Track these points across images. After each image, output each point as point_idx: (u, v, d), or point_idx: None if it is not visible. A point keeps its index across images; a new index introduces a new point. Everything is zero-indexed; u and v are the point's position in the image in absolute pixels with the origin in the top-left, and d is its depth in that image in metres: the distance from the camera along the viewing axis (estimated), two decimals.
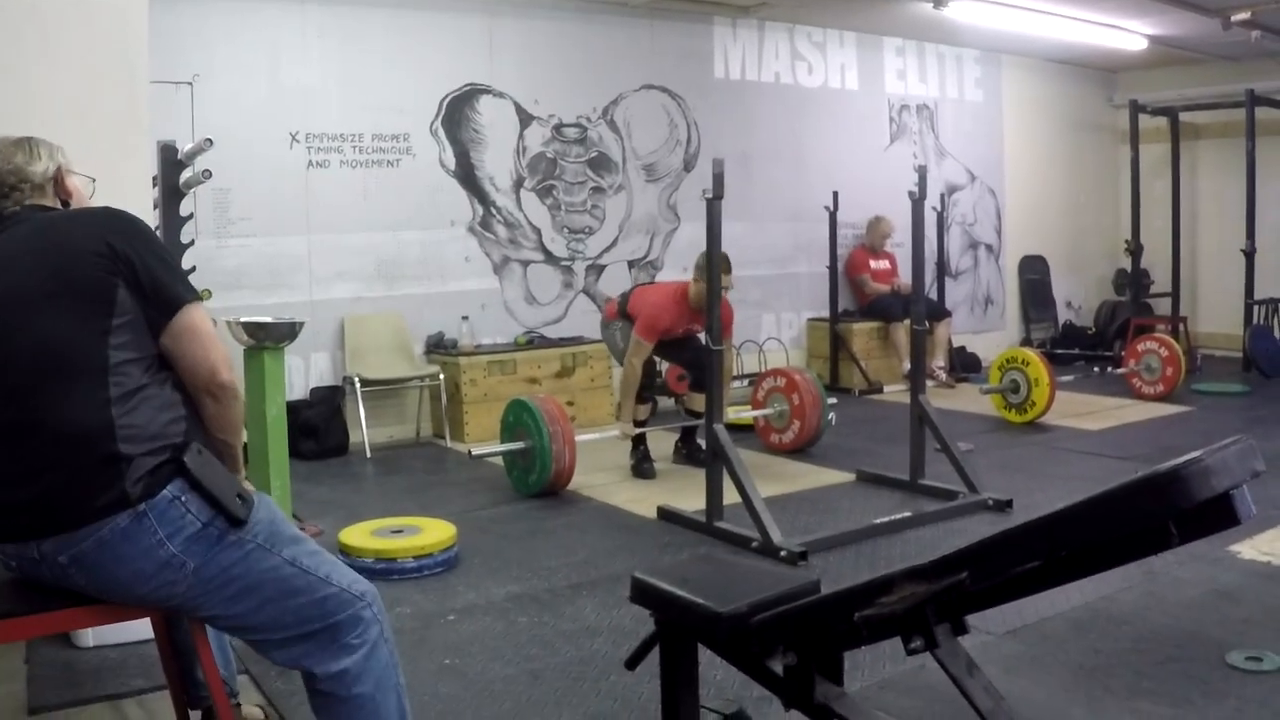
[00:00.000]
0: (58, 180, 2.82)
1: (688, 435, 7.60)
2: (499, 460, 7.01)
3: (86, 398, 2.46)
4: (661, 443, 7.66)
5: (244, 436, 2.87)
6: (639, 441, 7.24)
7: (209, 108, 7.75)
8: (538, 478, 6.56)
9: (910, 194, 6.43)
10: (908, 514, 5.95)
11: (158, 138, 4.98)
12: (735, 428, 7.33)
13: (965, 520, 5.92)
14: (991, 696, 2.30)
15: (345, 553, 5.07)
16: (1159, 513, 1.94)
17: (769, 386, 7.86)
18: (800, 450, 7.72)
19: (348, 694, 2.61)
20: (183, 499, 2.48)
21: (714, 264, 5.79)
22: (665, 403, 8.50)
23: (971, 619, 2.40)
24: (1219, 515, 1.95)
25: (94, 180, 3.00)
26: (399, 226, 8.69)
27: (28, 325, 2.51)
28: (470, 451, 6.75)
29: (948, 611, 2.29)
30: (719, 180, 5.61)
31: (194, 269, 4.20)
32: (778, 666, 2.74)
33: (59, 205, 2.83)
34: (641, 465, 7.23)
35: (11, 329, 2.52)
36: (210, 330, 2.64)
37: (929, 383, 7.57)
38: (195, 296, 2.64)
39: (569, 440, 6.53)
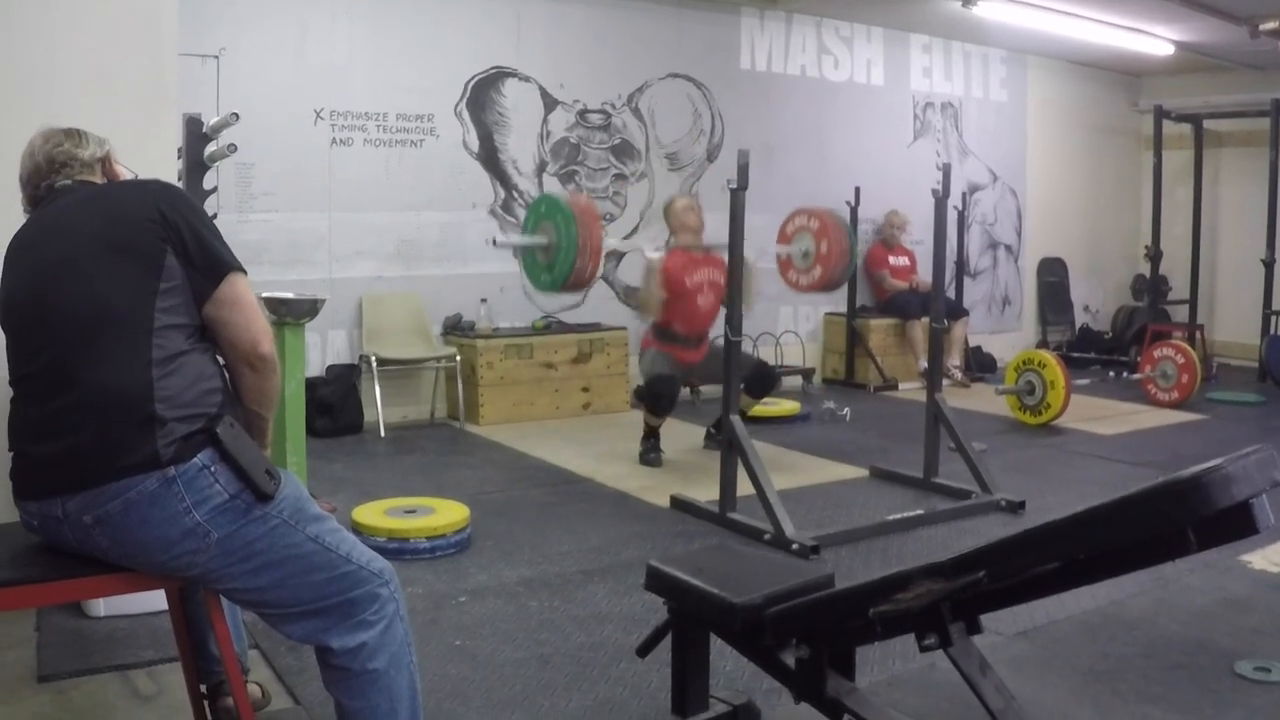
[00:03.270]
0: (105, 163, 2.90)
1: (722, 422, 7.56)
2: (512, 444, 7.00)
3: (128, 357, 2.50)
4: (674, 435, 7.65)
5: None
6: (651, 432, 7.25)
7: (235, 82, 7.77)
8: (552, 278, 6.20)
9: (933, 192, 6.42)
10: (920, 512, 5.95)
11: (184, 110, 5.01)
12: (751, 419, 7.34)
13: (977, 520, 5.91)
14: (1003, 696, 2.31)
15: (359, 531, 5.07)
16: (1179, 519, 1.95)
17: (798, 224, 7.46)
18: (818, 290, 7.50)
19: (361, 669, 2.63)
20: (212, 469, 2.51)
21: (736, 254, 5.79)
22: (680, 393, 8.52)
23: (982, 619, 2.41)
24: (1238, 524, 1.95)
25: (136, 175, 3.04)
26: (420, 207, 8.70)
27: (78, 284, 2.57)
28: (494, 240, 6.47)
29: (963, 610, 2.30)
30: (744, 171, 5.61)
31: None
32: (789, 659, 2.75)
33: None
34: (649, 455, 7.21)
35: (62, 288, 2.58)
36: (253, 301, 2.69)
37: (944, 381, 7.55)
38: (240, 267, 2.69)
39: (595, 246, 6.09)
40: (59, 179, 2.80)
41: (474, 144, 8.93)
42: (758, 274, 7.11)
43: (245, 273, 2.70)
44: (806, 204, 9.96)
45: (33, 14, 4.29)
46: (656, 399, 7.02)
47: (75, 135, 2.86)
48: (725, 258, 6.07)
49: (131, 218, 2.62)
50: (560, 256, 6.05)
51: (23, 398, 2.62)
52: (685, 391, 8.26)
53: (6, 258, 2.74)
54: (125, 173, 2.98)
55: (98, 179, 2.86)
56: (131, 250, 2.58)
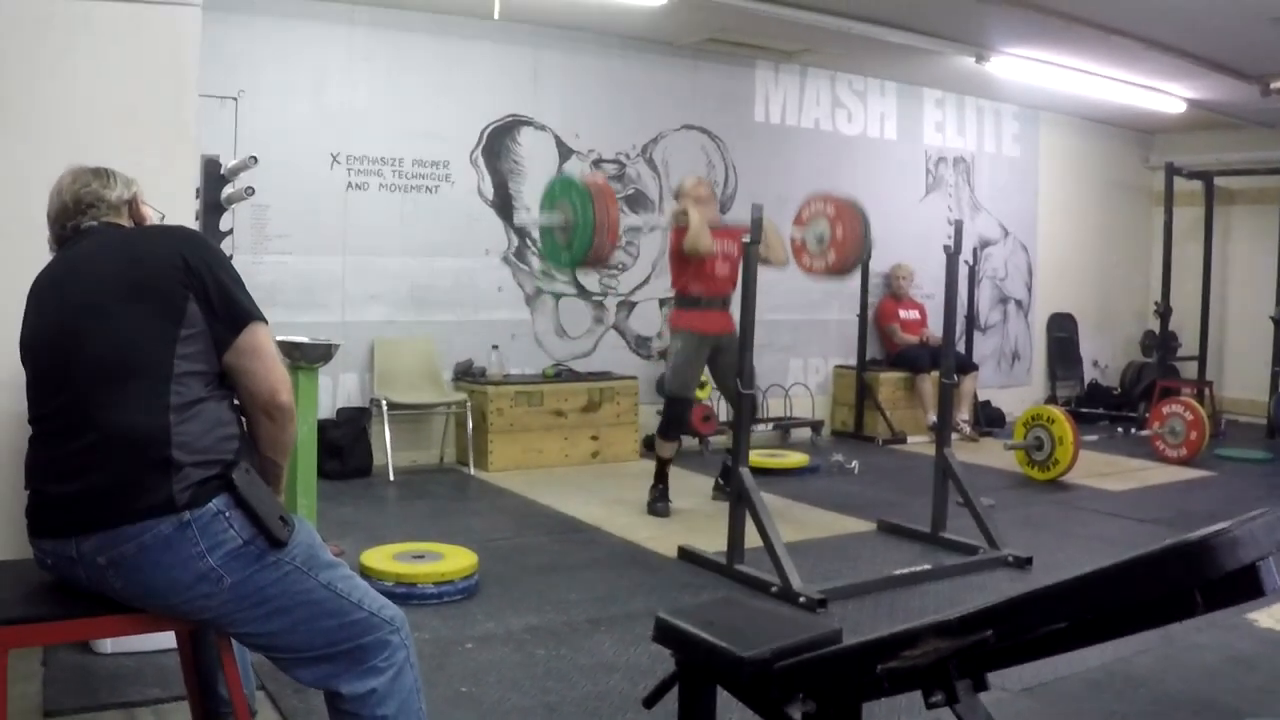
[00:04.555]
0: (132, 205, 2.92)
1: (729, 473, 7.56)
2: (521, 491, 6.98)
3: (147, 401, 2.53)
4: (682, 485, 7.65)
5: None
6: (659, 479, 7.24)
7: (253, 124, 7.85)
8: (571, 255, 6.20)
9: (945, 248, 6.45)
10: (927, 566, 5.94)
11: (202, 151, 5.04)
12: (759, 471, 7.33)
13: (985, 575, 5.90)
14: None
15: (367, 575, 5.06)
16: (1186, 581, 1.96)
17: (814, 209, 7.30)
18: (832, 274, 7.37)
19: (371, 715, 2.65)
20: (227, 514, 2.53)
21: (749, 302, 5.80)
22: (689, 442, 8.56)
23: (989, 675, 2.41)
24: (1245, 586, 1.95)
25: (164, 215, 3.07)
26: (434, 252, 8.75)
27: (100, 327, 2.60)
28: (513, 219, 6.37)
29: (970, 668, 2.30)
30: (758, 225, 5.65)
31: None
32: (796, 714, 2.75)
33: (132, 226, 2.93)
34: (656, 505, 7.18)
35: (85, 330, 2.61)
36: (274, 351, 2.72)
37: (953, 436, 7.55)
38: (262, 317, 2.71)
39: (612, 222, 6.10)
40: (85, 220, 2.83)
41: (489, 191, 8.99)
42: (776, 238, 7.07)
43: (266, 322, 2.73)
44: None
45: (56, 53, 4.33)
46: (672, 418, 7.03)
47: (103, 175, 2.90)
48: (739, 233, 6.12)
49: (155, 264, 2.65)
50: (578, 234, 6.06)
51: (41, 437, 2.65)
52: (693, 441, 8.26)
53: (30, 297, 2.78)
54: (152, 213, 3.02)
55: (124, 220, 2.90)
56: (154, 296, 2.61)
